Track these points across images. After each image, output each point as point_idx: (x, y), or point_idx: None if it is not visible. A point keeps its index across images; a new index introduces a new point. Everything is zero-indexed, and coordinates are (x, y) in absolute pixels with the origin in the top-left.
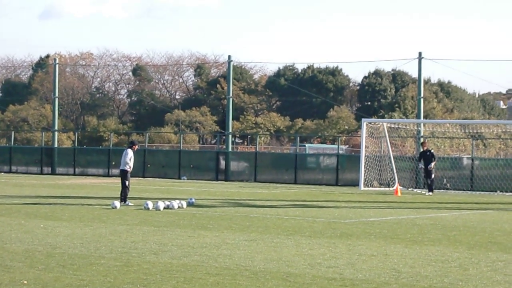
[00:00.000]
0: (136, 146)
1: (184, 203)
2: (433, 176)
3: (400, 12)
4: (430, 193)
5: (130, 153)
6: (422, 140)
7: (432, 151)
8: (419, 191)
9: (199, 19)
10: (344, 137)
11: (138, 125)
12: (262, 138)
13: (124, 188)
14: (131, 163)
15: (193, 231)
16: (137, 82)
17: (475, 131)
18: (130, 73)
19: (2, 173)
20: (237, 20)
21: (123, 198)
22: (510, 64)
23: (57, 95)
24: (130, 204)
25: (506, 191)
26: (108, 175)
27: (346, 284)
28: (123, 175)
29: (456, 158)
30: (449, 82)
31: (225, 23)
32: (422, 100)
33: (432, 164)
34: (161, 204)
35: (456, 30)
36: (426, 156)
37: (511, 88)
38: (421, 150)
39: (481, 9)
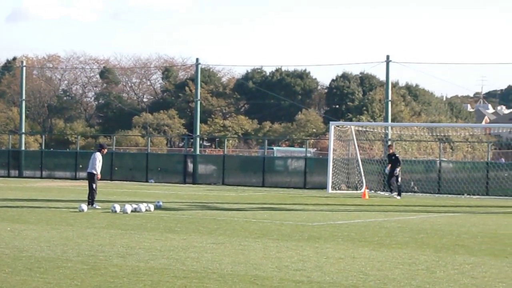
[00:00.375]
0: (105, 150)
1: (152, 206)
2: (399, 180)
3: (368, 16)
4: (398, 197)
5: (98, 156)
6: (389, 143)
7: (397, 155)
8: (387, 194)
9: (167, 22)
10: (312, 140)
11: (105, 128)
12: (230, 141)
13: (92, 191)
14: (99, 167)
15: (160, 234)
16: (105, 84)
17: (442, 134)
18: (98, 76)
19: None
20: (205, 24)
21: (91, 201)
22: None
23: (24, 97)
24: (97, 207)
25: (473, 194)
26: (75, 178)
27: (314, 287)
28: (91, 178)
29: (423, 161)
30: (416, 85)
31: (193, 26)
32: (389, 103)
33: (398, 169)
34: (128, 207)
35: (424, 33)
36: (391, 160)
37: (479, 92)
38: (388, 153)
39: (449, 13)
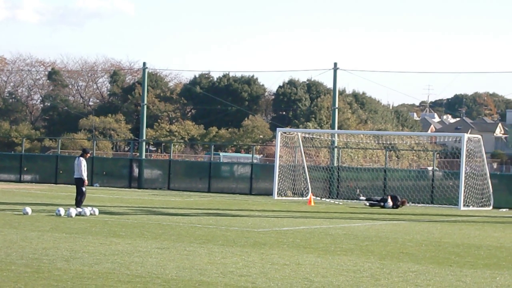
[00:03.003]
0: (88, 154)
1: (97, 210)
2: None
3: (316, 23)
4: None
5: (83, 161)
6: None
7: None
8: (332, 201)
9: (115, 26)
10: (259, 146)
11: (51, 130)
12: (176, 146)
13: (82, 194)
14: (85, 171)
15: (105, 238)
16: (51, 87)
17: (388, 142)
18: (44, 79)
19: None
20: (153, 28)
21: (78, 203)
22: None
23: None
24: (86, 210)
25: (418, 203)
26: (20, 180)
27: None
28: (79, 182)
29: (369, 169)
30: (363, 93)
31: (141, 30)
32: (336, 110)
33: None
34: (73, 211)
35: (371, 42)
36: None
37: (425, 100)
38: None
39: (396, 22)
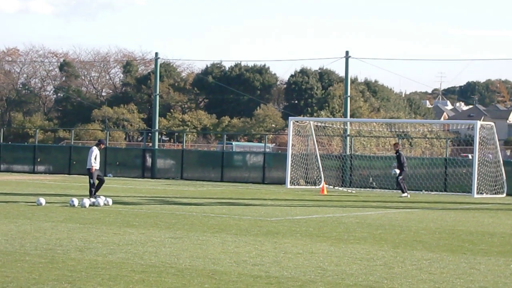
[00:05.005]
0: (103, 145)
1: (110, 200)
2: (400, 177)
3: (327, 12)
4: (405, 195)
5: (95, 150)
6: (394, 141)
7: (401, 152)
8: (345, 190)
9: (127, 16)
10: (271, 135)
11: (64, 121)
12: (189, 135)
13: (90, 185)
14: (97, 161)
15: (118, 228)
16: (64, 78)
17: (401, 130)
18: (57, 70)
19: None
20: (165, 18)
21: (90, 194)
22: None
23: None
24: (93, 200)
25: (431, 190)
26: (33, 171)
27: (272, 282)
28: (88, 173)
29: (382, 157)
30: (375, 81)
31: (153, 20)
32: (348, 99)
33: (399, 169)
34: (86, 201)
35: (383, 29)
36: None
37: (437, 88)
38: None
39: (408, 10)
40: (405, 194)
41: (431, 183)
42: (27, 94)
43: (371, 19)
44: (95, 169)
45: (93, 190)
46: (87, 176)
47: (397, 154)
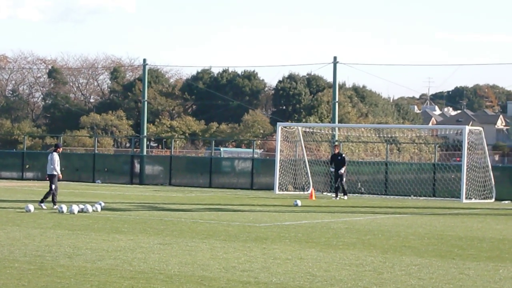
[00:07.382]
0: (60, 149)
1: (99, 207)
2: (344, 180)
3: (315, 17)
4: (345, 197)
5: (56, 156)
6: (336, 143)
7: (344, 155)
8: (333, 195)
9: (115, 23)
10: (259, 141)
11: (52, 128)
12: (177, 141)
13: (49, 191)
14: (58, 166)
15: (107, 234)
16: (52, 85)
17: (389, 136)
18: (45, 76)
19: None
20: (154, 25)
21: (42, 199)
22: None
23: None
24: (44, 207)
25: (420, 196)
26: (22, 178)
27: None
28: (50, 178)
29: (370, 163)
30: (363, 87)
31: (142, 26)
32: (337, 104)
33: (343, 169)
34: (75, 208)
35: (371, 35)
36: (337, 160)
37: (425, 93)
38: (333, 153)
39: (395, 15)
40: (346, 197)
41: (420, 188)
42: (16, 100)
43: (359, 25)
44: (60, 175)
45: (56, 197)
46: (49, 182)
47: (341, 156)
